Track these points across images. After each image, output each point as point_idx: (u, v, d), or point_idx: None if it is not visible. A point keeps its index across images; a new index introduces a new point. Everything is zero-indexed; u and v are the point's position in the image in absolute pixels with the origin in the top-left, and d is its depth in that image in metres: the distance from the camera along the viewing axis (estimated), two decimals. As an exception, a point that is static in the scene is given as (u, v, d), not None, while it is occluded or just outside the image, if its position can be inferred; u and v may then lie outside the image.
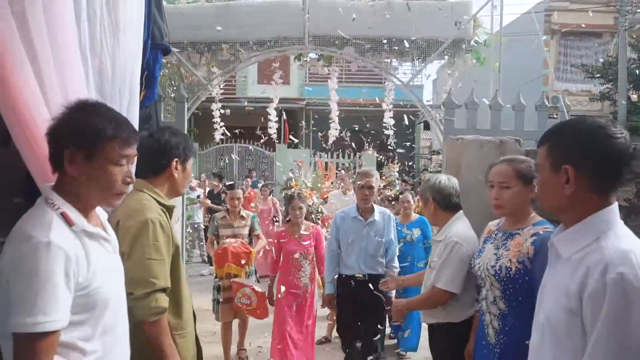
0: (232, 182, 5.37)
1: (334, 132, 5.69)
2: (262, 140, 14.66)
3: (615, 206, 1.46)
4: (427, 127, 18.95)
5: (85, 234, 1.55)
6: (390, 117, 5.28)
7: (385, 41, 4.25)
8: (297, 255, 4.41)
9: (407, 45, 4.18)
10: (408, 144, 10.34)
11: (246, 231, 4.91)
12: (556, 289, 1.47)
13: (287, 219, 4.75)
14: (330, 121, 5.62)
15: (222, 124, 5.66)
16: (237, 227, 4.89)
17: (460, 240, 2.70)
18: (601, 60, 15.58)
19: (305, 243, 4.45)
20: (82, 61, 1.94)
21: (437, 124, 4.15)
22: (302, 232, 4.47)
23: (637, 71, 14.20)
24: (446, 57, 4.53)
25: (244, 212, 5.01)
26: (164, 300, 1.99)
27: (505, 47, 9.22)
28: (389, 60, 4.52)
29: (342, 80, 10.93)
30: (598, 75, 14.77)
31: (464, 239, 2.72)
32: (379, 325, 3.89)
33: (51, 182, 1.62)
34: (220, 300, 4.73)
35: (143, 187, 2.12)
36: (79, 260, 1.48)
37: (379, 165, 11.11)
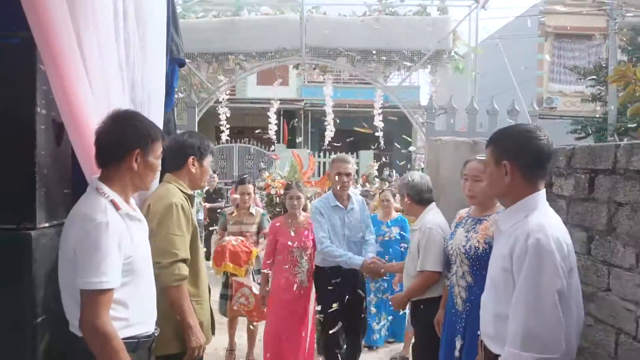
0: (244, 176, 4.92)
1: (329, 134, 6.04)
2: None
3: (542, 191, 1.86)
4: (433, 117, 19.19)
5: (127, 216, 1.92)
6: (380, 121, 5.66)
7: (374, 52, 4.64)
8: (293, 250, 3.97)
9: (393, 56, 4.56)
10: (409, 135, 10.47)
11: (254, 229, 4.61)
12: (497, 255, 1.86)
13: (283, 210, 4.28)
14: (326, 123, 5.96)
15: (227, 126, 6.00)
16: (245, 223, 4.61)
17: (433, 227, 3.07)
18: (592, 63, 15.54)
19: (302, 236, 4.01)
20: (120, 74, 2.31)
21: (420, 127, 4.54)
22: (299, 224, 4.04)
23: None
24: (429, 66, 4.92)
25: (253, 209, 4.70)
26: (184, 269, 2.35)
27: (498, 49, 9.58)
28: (377, 70, 4.89)
29: (339, 81, 11.18)
30: (589, 77, 14.67)
31: (436, 224, 3.08)
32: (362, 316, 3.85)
33: (96, 175, 1.99)
34: (229, 295, 4.52)
35: (170, 180, 2.51)
36: (125, 236, 1.86)
37: (381, 163, 11.24)
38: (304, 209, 4.24)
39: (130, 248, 1.87)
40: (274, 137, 6.68)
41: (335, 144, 7.91)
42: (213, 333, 2.77)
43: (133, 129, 1.95)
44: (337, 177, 3.76)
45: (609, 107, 13.62)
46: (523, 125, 1.96)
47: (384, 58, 4.65)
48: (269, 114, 6.32)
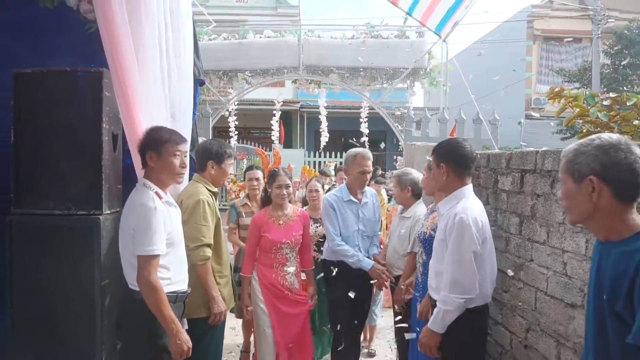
0: (251, 164, 4.47)
1: (324, 140, 6.59)
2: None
3: (469, 185, 2.48)
4: (417, 126, 19.16)
5: (167, 203, 2.44)
6: (366, 128, 6.23)
7: (361, 69, 5.21)
8: (282, 246, 3.34)
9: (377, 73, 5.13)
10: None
11: None
12: (438, 230, 2.45)
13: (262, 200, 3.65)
14: (320, 130, 6.51)
15: (236, 132, 6.54)
16: None
17: (423, 217, 3.57)
18: (579, 65, 15.56)
19: (293, 231, 3.40)
20: (162, 96, 2.85)
21: (399, 133, 5.11)
22: (287, 217, 3.43)
23: (611, 75, 14.38)
24: (408, 81, 5.48)
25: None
26: (209, 252, 2.84)
27: (487, 53, 9.95)
28: (364, 84, 5.46)
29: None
30: (574, 79, 14.82)
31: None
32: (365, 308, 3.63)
33: (141, 174, 2.51)
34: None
35: (198, 179, 3.00)
36: (167, 217, 2.38)
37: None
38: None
39: (170, 226, 2.38)
40: (276, 140, 7.14)
41: (328, 144, 8.32)
42: (236, 300, 3.31)
43: (147, 137, 2.41)
44: (359, 175, 3.48)
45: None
46: (454, 139, 2.58)
47: (369, 75, 5.23)
48: (272, 121, 6.84)
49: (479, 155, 2.51)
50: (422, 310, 2.95)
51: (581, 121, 3.45)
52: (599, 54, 13.78)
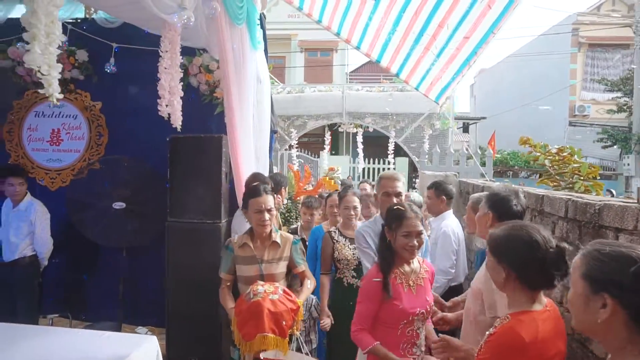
0: (255, 184, 2.96)
1: (360, 166, 7.79)
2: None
3: (450, 210, 3.59)
4: (465, 130, 17.11)
5: None
6: (392, 158, 7.40)
7: (389, 114, 6.42)
8: (415, 319, 2.19)
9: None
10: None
11: (283, 268, 2.70)
12: (431, 238, 3.62)
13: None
14: (357, 161, 7.72)
15: (297, 163, 7.85)
16: (267, 261, 2.67)
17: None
18: (624, 72, 14.80)
19: (426, 295, 2.26)
20: (253, 146, 4.18)
21: (416, 163, 6.26)
22: (418, 275, 2.26)
23: None
24: (425, 122, 6.63)
25: (277, 236, 2.75)
26: None
27: (528, 62, 10.07)
28: (391, 125, 6.66)
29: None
30: (616, 89, 14.14)
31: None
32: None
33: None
34: None
35: None
36: None
37: (414, 169, 11.91)
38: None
39: None
40: (327, 148, 8.05)
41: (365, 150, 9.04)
42: None
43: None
44: (383, 197, 2.81)
45: (633, 117, 13.04)
46: (443, 182, 3.72)
47: (395, 118, 6.43)
48: (325, 138, 7.97)
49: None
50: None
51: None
52: (642, 63, 12.83)
